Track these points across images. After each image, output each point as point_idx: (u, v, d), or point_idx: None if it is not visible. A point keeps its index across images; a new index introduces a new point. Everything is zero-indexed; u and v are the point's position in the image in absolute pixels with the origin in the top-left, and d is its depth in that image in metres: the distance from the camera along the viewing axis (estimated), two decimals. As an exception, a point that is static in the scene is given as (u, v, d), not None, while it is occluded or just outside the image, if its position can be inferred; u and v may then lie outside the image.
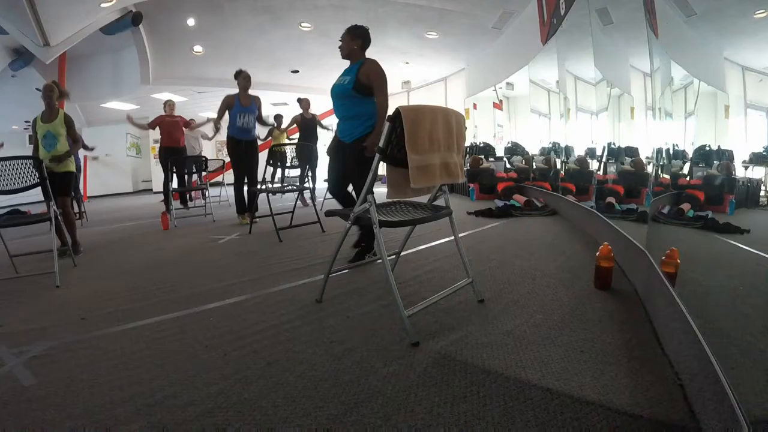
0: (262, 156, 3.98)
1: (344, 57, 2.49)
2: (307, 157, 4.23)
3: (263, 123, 4.42)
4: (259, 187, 3.77)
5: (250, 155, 4.18)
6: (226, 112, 4.11)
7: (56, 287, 2.27)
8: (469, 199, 5.89)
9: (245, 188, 4.23)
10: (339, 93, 2.40)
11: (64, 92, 3.41)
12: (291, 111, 10.21)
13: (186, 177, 5.95)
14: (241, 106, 4.05)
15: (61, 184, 3.10)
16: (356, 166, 2.35)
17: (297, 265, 2.52)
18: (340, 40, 2.48)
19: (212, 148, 8.75)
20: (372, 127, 2.33)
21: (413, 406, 1.07)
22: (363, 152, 2.30)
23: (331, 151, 2.68)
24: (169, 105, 5.64)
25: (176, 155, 5.24)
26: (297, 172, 5.81)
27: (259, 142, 4.37)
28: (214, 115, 4.29)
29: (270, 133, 6.30)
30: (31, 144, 3.73)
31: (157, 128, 5.53)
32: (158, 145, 5.66)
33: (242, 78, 4.07)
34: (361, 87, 2.33)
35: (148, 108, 9.32)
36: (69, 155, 3.18)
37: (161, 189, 5.25)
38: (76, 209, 5.18)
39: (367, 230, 2.49)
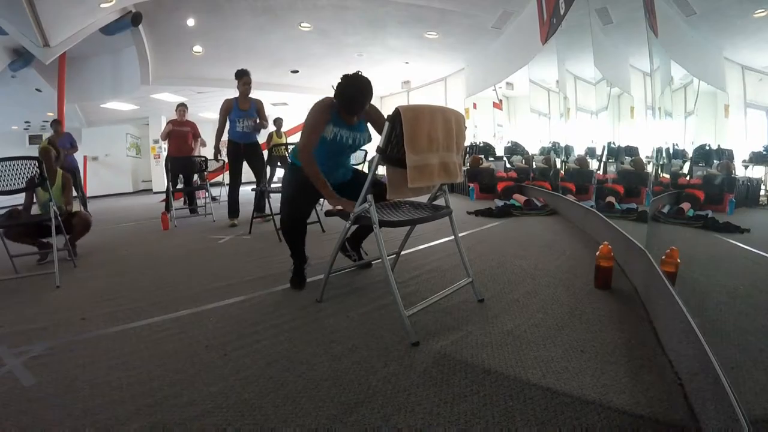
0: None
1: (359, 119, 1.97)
2: None
3: (259, 128, 4.19)
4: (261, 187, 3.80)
5: (256, 156, 4.18)
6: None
7: (56, 287, 2.27)
8: (468, 199, 5.89)
9: (248, 190, 4.23)
10: (355, 148, 2.03)
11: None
12: (291, 111, 10.20)
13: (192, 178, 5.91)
14: (240, 110, 4.03)
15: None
16: None
17: (297, 265, 2.51)
18: (363, 106, 1.87)
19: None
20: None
21: (413, 406, 1.07)
22: None
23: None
24: (179, 110, 5.43)
25: (186, 164, 5.08)
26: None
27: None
28: (214, 116, 4.27)
29: (270, 138, 6.22)
30: (31, 144, 3.71)
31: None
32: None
33: (242, 83, 4.04)
34: None
35: (148, 108, 9.32)
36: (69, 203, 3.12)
37: (161, 189, 5.21)
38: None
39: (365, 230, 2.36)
